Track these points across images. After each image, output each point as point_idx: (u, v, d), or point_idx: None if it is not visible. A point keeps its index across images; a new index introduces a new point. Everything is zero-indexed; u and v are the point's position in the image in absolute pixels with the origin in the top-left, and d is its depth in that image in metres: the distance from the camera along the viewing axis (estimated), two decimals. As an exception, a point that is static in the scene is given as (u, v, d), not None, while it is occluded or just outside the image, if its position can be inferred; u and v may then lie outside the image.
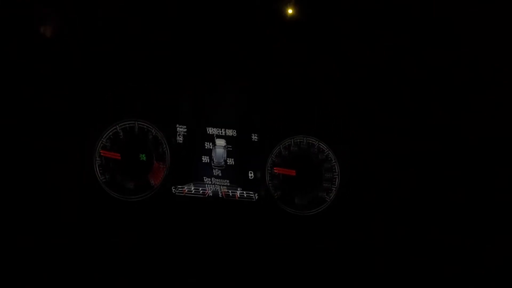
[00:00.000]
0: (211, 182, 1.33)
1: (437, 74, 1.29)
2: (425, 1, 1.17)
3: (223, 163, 1.33)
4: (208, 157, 1.33)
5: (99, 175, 1.29)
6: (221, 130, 1.34)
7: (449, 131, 1.31)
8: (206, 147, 1.33)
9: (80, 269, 1.19)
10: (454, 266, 1.21)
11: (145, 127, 1.31)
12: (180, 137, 1.32)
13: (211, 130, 1.34)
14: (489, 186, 1.29)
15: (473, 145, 1.29)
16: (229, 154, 1.34)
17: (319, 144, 1.35)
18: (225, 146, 1.34)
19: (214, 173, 1.33)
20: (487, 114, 1.28)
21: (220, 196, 1.32)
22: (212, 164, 1.33)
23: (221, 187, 1.33)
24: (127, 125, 1.30)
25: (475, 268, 1.22)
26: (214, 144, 1.34)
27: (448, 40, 1.25)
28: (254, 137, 1.34)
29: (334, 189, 1.34)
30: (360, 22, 1.24)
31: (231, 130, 1.34)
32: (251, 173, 1.34)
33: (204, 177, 1.33)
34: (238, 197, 1.33)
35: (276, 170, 1.33)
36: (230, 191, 1.33)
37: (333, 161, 1.35)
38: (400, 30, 1.24)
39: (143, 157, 1.30)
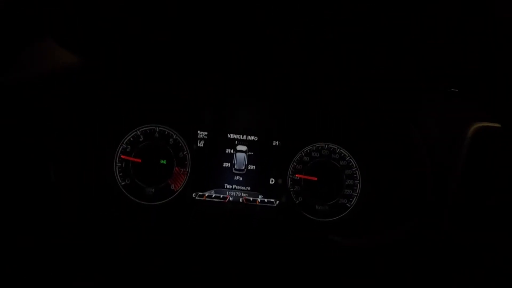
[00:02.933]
0: (232, 187, 1.31)
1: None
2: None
3: (244, 168, 1.32)
4: (229, 163, 1.32)
5: (119, 179, 1.27)
6: (242, 136, 1.33)
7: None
8: (227, 152, 1.32)
9: (99, 272, 1.17)
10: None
11: (165, 131, 1.30)
12: (201, 142, 1.31)
13: (232, 136, 1.33)
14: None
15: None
16: (250, 160, 1.33)
17: (340, 150, 1.34)
18: (246, 151, 1.33)
19: (235, 179, 1.32)
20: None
21: (240, 201, 1.31)
22: (233, 169, 1.32)
23: (242, 193, 1.32)
24: (147, 129, 1.29)
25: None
26: (235, 149, 1.32)
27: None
28: (276, 143, 1.33)
29: (355, 196, 1.33)
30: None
31: (252, 136, 1.33)
32: (272, 179, 1.33)
33: (225, 183, 1.31)
34: (259, 203, 1.31)
35: (298, 176, 1.31)
36: (251, 197, 1.31)
37: (354, 167, 1.33)
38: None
39: (163, 161, 1.29)
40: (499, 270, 1.20)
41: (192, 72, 1.28)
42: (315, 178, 1.31)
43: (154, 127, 1.30)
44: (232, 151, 1.32)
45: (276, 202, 1.32)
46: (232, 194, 1.31)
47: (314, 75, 1.29)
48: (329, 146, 1.34)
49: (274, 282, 1.23)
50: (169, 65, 1.27)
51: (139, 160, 1.27)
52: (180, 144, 1.30)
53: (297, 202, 1.31)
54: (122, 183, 1.27)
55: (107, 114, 1.28)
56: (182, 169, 1.29)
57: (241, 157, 1.32)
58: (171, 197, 1.28)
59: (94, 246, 1.21)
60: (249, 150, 1.33)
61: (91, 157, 1.27)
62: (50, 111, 1.25)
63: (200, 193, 1.30)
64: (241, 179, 1.32)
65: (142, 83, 1.29)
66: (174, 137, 1.30)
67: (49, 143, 1.24)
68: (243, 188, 1.32)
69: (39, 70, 1.18)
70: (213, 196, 1.30)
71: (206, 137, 1.32)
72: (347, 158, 1.34)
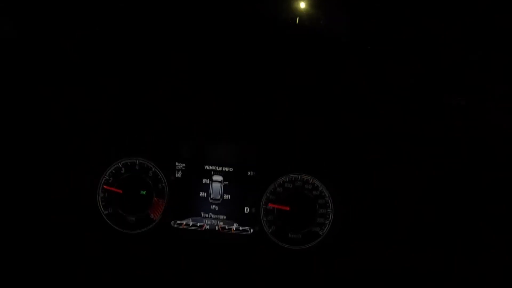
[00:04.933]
0: (208, 216, 1.38)
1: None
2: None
3: (219, 198, 1.39)
4: (205, 192, 1.39)
5: (102, 209, 1.36)
6: (218, 167, 1.39)
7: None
8: (203, 182, 1.39)
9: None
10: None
11: (145, 164, 1.37)
12: (178, 173, 1.38)
13: (208, 167, 1.39)
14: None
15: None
16: (225, 190, 1.39)
17: (313, 181, 1.38)
18: (222, 182, 1.39)
19: (211, 208, 1.39)
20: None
21: (216, 229, 1.38)
22: (209, 199, 1.39)
23: (218, 221, 1.38)
24: (128, 162, 1.37)
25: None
26: (211, 179, 1.39)
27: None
28: (250, 174, 1.39)
29: (328, 223, 1.37)
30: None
31: (228, 168, 1.39)
32: (246, 208, 1.39)
33: (202, 212, 1.38)
34: (234, 231, 1.38)
35: (271, 205, 1.37)
36: (226, 226, 1.38)
37: (327, 196, 1.38)
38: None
39: (143, 192, 1.37)
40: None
41: (170, 107, 1.36)
42: (287, 208, 1.36)
43: (135, 160, 1.37)
44: (208, 181, 1.39)
45: (250, 230, 1.38)
46: (208, 223, 1.38)
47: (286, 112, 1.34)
48: (302, 177, 1.39)
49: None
50: (148, 101, 1.35)
51: (120, 191, 1.35)
52: (159, 176, 1.37)
53: (270, 230, 1.37)
54: (105, 212, 1.36)
55: (91, 147, 1.37)
56: (161, 200, 1.37)
57: (217, 187, 1.39)
58: (151, 226, 1.36)
59: (81, 273, 1.31)
60: (224, 180, 1.39)
61: (76, 187, 1.36)
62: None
63: (179, 222, 1.38)
64: (217, 208, 1.38)
65: (123, 118, 1.37)
66: (153, 169, 1.37)
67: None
68: (219, 216, 1.38)
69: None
70: (190, 225, 1.38)
71: (184, 168, 1.39)
72: (320, 189, 1.38)
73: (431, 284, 1.30)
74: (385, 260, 1.33)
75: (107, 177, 1.37)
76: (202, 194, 1.39)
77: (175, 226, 1.37)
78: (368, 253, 1.34)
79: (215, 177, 1.39)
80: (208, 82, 1.35)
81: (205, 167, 1.39)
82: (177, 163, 1.38)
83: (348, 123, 1.36)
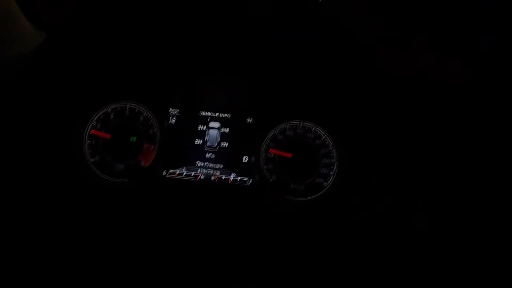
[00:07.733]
0: (204, 165, 1.28)
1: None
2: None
3: (216, 146, 1.29)
4: (201, 140, 1.29)
5: (89, 156, 1.25)
6: (215, 113, 1.30)
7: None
8: (199, 129, 1.29)
9: (68, 251, 1.16)
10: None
11: (136, 108, 1.28)
12: (172, 119, 1.29)
13: (205, 113, 1.30)
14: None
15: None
16: (223, 137, 1.29)
17: (316, 129, 1.30)
18: (219, 128, 1.30)
19: (207, 156, 1.28)
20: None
21: (212, 179, 1.27)
22: (205, 147, 1.29)
23: (214, 171, 1.28)
24: (117, 106, 1.28)
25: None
26: (207, 126, 1.30)
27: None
28: (249, 120, 1.30)
29: (332, 175, 1.28)
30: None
31: (225, 114, 1.30)
32: (245, 157, 1.29)
33: (197, 160, 1.28)
34: (231, 181, 1.27)
35: (272, 151, 1.27)
36: (223, 176, 1.28)
37: (331, 146, 1.29)
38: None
39: (133, 139, 1.26)
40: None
41: (163, 49, 1.27)
42: (290, 155, 1.27)
43: (125, 105, 1.28)
44: (204, 127, 1.29)
45: (249, 181, 1.28)
46: (204, 172, 1.27)
47: (288, 50, 1.27)
48: (304, 124, 1.30)
49: (246, 263, 1.20)
50: (140, 41, 1.26)
51: (108, 136, 1.25)
52: (150, 122, 1.28)
53: (270, 180, 1.27)
54: (92, 160, 1.25)
55: (77, 90, 1.27)
56: (152, 146, 1.26)
57: (213, 133, 1.29)
58: (141, 174, 1.25)
59: (66, 223, 1.19)
60: (222, 126, 1.30)
61: (60, 133, 1.25)
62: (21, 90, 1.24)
63: (171, 171, 1.27)
64: (213, 156, 1.28)
65: (113, 59, 1.28)
66: (144, 114, 1.28)
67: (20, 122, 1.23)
68: (215, 165, 1.28)
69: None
70: (184, 174, 1.27)
71: (178, 114, 1.29)
72: (323, 137, 1.30)
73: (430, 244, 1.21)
74: (388, 217, 1.24)
75: (95, 123, 1.27)
76: (198, 141, 1.29)
77: (167, 175, 1.26)
78: (371, 209, 1.25)
79: (212, 124, 1.30)
80: (207, 27, 1.27)
81: (201, 113, 1.30)
82: (170, 109, 1.29)
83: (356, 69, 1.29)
